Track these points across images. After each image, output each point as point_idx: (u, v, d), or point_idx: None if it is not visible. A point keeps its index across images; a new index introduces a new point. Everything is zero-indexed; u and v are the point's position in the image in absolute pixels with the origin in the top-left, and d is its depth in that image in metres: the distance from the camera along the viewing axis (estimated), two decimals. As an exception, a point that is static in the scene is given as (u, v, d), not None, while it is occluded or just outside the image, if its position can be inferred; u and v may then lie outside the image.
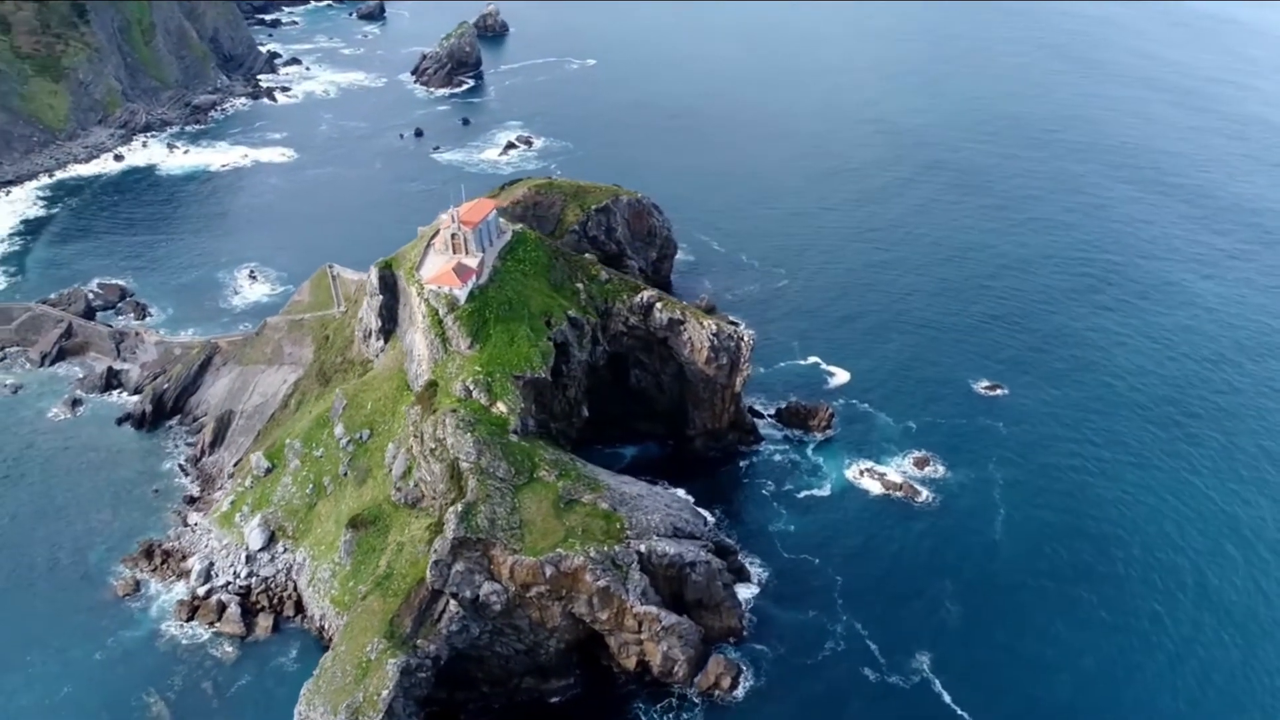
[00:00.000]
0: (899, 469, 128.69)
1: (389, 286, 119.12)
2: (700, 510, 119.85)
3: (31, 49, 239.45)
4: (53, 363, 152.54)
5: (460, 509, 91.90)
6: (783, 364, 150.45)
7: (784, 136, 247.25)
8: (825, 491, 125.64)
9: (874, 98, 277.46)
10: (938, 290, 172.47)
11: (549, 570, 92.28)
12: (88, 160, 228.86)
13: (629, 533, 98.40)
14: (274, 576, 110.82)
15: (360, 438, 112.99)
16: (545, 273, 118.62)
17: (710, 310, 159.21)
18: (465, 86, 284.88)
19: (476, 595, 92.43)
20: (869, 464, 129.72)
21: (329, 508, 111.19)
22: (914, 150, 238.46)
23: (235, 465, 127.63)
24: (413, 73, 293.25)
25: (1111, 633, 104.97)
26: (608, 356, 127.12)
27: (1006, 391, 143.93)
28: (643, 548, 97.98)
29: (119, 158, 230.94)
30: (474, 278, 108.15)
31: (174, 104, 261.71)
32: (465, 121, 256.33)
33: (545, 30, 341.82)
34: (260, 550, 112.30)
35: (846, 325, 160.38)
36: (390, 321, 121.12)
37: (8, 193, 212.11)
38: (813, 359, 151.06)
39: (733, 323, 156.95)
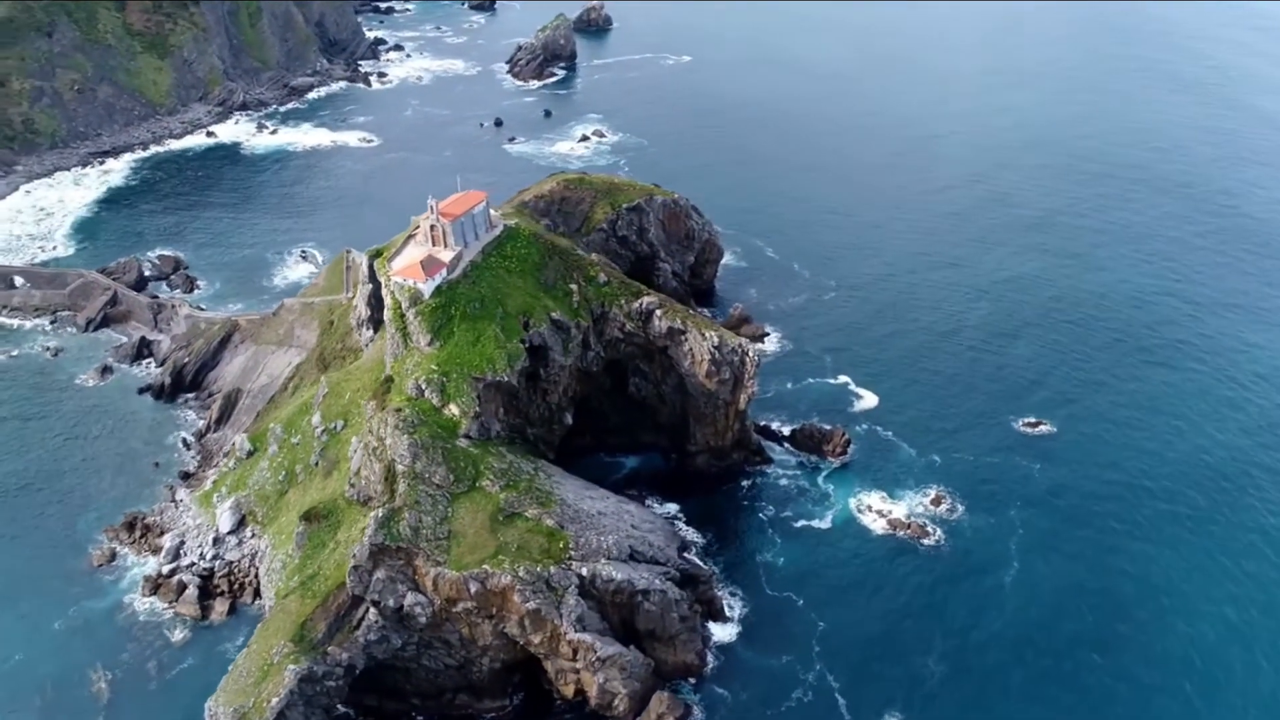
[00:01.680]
0: (911, 506, 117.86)
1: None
2: (683, 532, 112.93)
3: (143, 27, 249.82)
4: (96, 329, 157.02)
5: (381, 514, 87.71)
6: (810, 380, 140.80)
7: (873, 144, 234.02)
8: (825, 523, 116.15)
9: (974, 111, 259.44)
10: (994, 314, 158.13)
11: (474, 587, 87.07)
12: (182, 136, 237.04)
13: (573, 553, 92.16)
14: (238, 561, 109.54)
15: (335, 428, 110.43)
16: (534, 271, 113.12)
17: (743, 320, 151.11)
18: (555, 79, 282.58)
19: (400, 605, 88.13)
20: (879, 497, 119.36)
21: (297, 496, 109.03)
22: (997, 167, 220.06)
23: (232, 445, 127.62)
24: (507, 63, 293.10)
25: (1120, 715, 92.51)
26: (603, 362, 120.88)
27: (1052, 429, 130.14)
28: (585, 570, 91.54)
29: (210, 134, 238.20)
30: (443, 272, 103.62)
31: (272, 85, 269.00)
32: (547, 113, 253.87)
33: (648, 26, 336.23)
34: (229, 533, 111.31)
35: (886, 344, 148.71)
36: (379, 311, 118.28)
37: (102, 163, 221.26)
38: (843, 378, 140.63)
39: (764, 334, 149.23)
